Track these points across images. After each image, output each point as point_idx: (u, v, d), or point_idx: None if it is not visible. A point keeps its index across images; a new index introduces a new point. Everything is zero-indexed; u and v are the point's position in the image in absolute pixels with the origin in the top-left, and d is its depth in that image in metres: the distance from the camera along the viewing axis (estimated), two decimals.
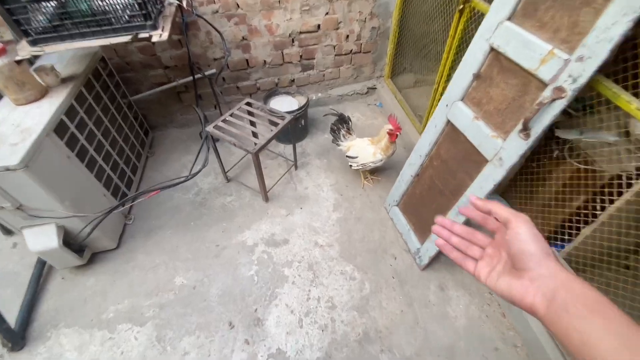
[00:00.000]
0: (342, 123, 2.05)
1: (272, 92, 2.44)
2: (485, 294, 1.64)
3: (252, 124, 2.00)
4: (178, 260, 1.82)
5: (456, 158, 1.43)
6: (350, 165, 2.03)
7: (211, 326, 1.56)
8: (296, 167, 2.29)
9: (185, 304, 1.64)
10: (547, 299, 0.38)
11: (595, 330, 0.34)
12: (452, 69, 1.80)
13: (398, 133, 1.78)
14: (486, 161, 1.26)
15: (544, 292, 0.39)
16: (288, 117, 1.91)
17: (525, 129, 1.07)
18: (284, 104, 2.37)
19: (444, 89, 1.90)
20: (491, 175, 1.24)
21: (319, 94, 2.77)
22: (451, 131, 1.44)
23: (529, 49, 1.06)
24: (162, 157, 2.42)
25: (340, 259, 1.79)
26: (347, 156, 2.02)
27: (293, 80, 2.66)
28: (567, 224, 1.31)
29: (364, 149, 1.91)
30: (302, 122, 2.37)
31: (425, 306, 1.60)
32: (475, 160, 1.32)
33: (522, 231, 0.43)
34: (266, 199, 2.07)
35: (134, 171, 2.15)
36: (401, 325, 1.54)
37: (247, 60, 2.43)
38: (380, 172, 2.25)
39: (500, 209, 0.46)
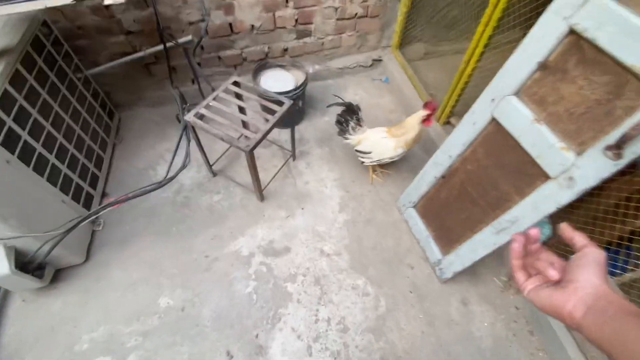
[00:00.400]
0: (350, 114, 1.70)
1: (262, 65, 2.05)
2: (512, 309, 1.49)
3: (242, 110, 1.65)
4: (161, 275, 1.55)
5: (500, 166, 1.18)
6: (362, 162, 1.74)
7: (206, 357, 1.35)
8: (294, 158, 1.98)
9: (173, 330, 1.41)
10: (586, 306, 0.40)
11: (631, 330, 0.36)
12: (488, 46, 1.48)
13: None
14: (546, 177, 1.01)
15: (585, 299, 0.41)
16: (287, 103, 1.56)
17: (619, 148, 0.82)
18: (278, 80, 2.00)
19: (474, 69, 1.60)
20: (553, 197, 1.00)
21: (317, 66, 2.38)
22: (496, 132, 1.16)
23: (635, 38, 0.77)
24: (132, 144, 2.03)
25: (351, 271, 1.58)
26: (357, 151, 1.72)
27: (286, 50, 2.25)
28: (625, 250, 1.12)
29: (380, 143, 1.60)
30: (300, 103, 2.02)
31: (447, 325, 1.44)
32: (528, 173, 1.07)
33: (591, 252, 0.45)
34: (261, 198, 1.78)
35: (98, 165, 1.79)
36: (422, 349, 1.38)
37: (230, 24, 2.00)
38: (389, 164, 1.97)
39: (582, 237, 0.48)
